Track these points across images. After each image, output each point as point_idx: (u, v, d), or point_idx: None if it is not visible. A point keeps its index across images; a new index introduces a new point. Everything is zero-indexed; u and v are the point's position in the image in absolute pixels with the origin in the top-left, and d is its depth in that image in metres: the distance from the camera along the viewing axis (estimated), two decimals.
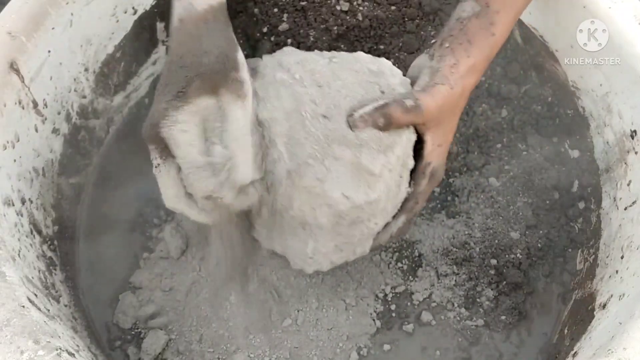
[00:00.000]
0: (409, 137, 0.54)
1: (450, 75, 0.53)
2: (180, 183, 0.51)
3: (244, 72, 0.51)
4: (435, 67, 0.54)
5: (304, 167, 0.51)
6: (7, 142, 0.55)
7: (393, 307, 0.65)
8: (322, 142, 0.50)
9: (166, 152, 0.50)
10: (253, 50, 0.77)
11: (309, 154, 0.50)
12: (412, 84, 0.56)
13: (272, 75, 0.53)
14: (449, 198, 0.72)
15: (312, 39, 0.79)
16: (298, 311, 0.63)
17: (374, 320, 0.64)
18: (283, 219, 0.54)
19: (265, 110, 0.52)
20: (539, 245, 0.69)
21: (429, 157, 0.55)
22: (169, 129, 0.48)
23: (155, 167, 0.51)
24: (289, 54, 0.56)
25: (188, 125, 0.49)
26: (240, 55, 0.52)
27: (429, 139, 0.54)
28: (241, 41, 0.77)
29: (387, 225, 0.57)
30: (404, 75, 0.57)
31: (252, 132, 0.51)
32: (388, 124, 0.51)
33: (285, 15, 0.80)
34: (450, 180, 0.73)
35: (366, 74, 0.54)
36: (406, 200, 0.56)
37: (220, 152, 0.50)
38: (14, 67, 0.56)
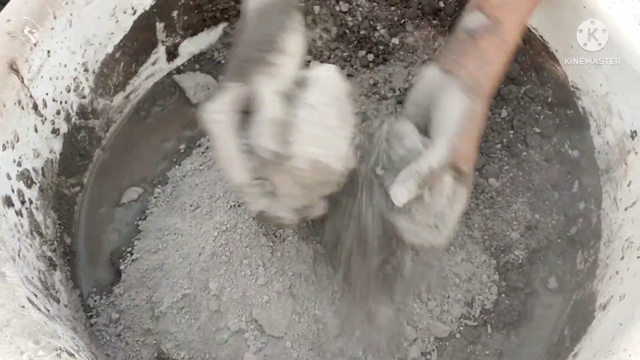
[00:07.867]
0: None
1: (476, 106, 0.53)
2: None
3: (279, 57, 0.49)
4: (461, 97, 0.53)
5: None
6: (7, 142, 0.55)
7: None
8: None
9: None
10: None
11: None
12: (427, 100, 0.55)
13: None
14: None
15: (311, 39, 0.79)
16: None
17: None
18: None
19: None
20: (539, 245, 0.69)
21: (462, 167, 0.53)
22: (206, 117, 0.49)
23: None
24: None
25: (220, 116, 0.49)
26: (288, 41, 0.50)
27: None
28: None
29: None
30: (411, 84, 0.56)
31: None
32: (431, 182, 0.51)
33: None
34: None
35: None
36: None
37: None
38: (13, 67, 0.56)
